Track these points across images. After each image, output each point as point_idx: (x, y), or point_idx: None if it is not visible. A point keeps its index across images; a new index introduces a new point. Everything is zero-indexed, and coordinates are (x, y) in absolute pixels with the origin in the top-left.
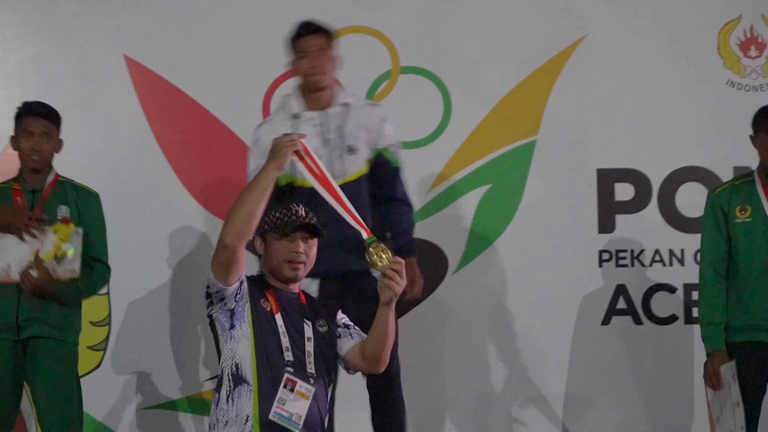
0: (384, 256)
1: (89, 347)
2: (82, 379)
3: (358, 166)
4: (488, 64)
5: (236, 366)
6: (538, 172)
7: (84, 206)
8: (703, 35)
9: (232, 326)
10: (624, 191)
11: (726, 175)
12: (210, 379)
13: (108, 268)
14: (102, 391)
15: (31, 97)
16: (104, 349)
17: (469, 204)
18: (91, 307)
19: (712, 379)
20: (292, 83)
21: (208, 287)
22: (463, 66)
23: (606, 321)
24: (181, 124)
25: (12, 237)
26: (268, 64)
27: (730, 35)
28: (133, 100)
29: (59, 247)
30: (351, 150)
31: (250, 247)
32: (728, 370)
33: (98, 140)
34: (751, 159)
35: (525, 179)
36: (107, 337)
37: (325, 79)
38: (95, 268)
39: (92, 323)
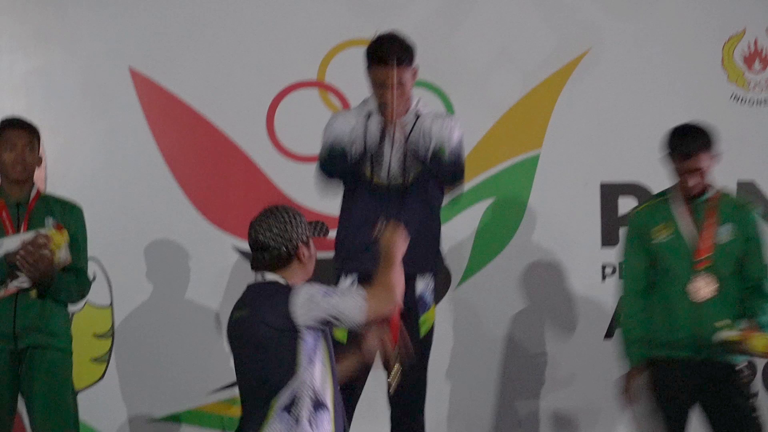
0: None
1: (92, 359)
2: (85, 392)
3: (417, 168)
4: (492, 77)
5: (315, 390)
6: (542, 186)
7: (68, 219)
8: (708, 49)
9: (315, 349)
10: (627, 205)
11: (730, 188)
12: (216, 391)
13: (88, 280)
14: (105, 403)
15: (37, 109)
16: (107, 361)
17: (472, 217)
18: (94, 320)
19: (629, 394)
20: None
21: (337, 319)
22: (467, 79)
23: (609, 334)
24: (185, 137)
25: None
26: (272, 76)
27: (734, 49)
28: (137, 111)
29: (54, 254)
30: (414, 154)
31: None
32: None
33: (103, 151)
34: (756, 173)
35: (529, 192)
36: (110, 350)
37: (397, 108)
38: (78, 276)
39: (96, 335)
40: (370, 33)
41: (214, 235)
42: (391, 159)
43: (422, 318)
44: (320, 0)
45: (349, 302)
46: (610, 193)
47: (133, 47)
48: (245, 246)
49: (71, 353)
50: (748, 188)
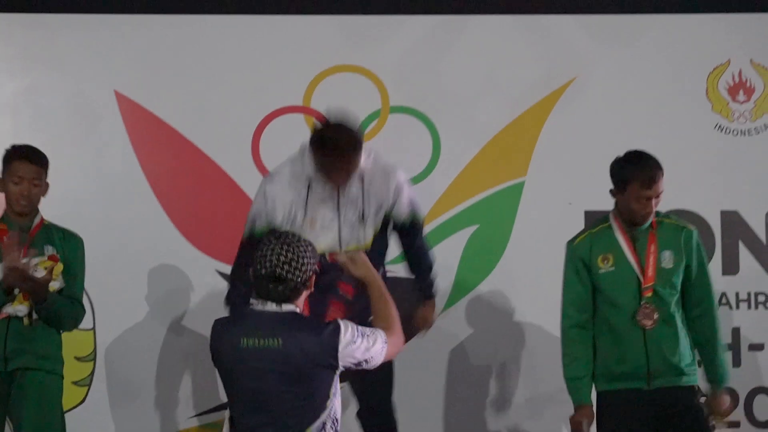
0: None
1: (74, 382)
2: (66, 415)
3: (369, 234)
4: (477, 105)
5: (336, 421)
6: (526, 214)
7: (68, 249)
8: (692, 79)
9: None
10: None
11: (713, 218)
12: (197, 415)
13: (83, 309)
14: (86, 427)
15: (23, 129)
16: (89, 385)
17: (456, 244)
18: (76, 343)
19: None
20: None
21: (366, 362)
22: (453, 106)
23: None
24: (170, 160)
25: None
26: (258, 101)
27: (719, 79)
28: (122, 134)
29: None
30: (363, 218)
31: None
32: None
33: (87, 173)
34: (739, 203)
35: (513, 220)
36: (92, 373)
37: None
38: (76, 305)
39: (77, 358)
40: (356, 61)
41: (197, 258)
42: (341, 227)
43: None
44: (307, 26)
45: (377, 346)
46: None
47: (119, 70)
48: (229, 270)
49: (62, 376)
50: (731, 218)
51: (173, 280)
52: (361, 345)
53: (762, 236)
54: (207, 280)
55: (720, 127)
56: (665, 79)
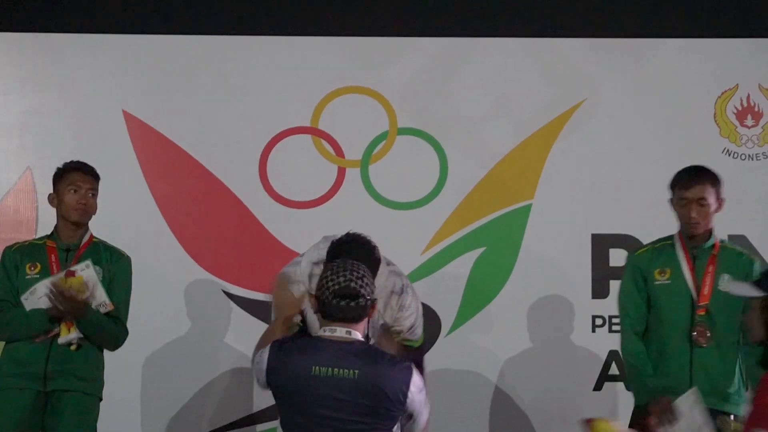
0: None
1: None
2: None
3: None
4: (485, 127)
5: None
6: (534, 236)
7: (115, 268)
8: (700, 103)
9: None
10: (618, 257)
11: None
12: None
13: (125, 329)
14: None
15: (30, 150)
16: None
17: (463, 266)
18: None
19: (666, 414)
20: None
21: (415, 421)
22: (461, 128)
23: (598, 387)
24: (178, 180)
25: (41, 298)
26: (265, 122)
27: (727, 104)
28: (130, 154)
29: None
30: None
31: None
32: (686, 401)
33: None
34: (746, 227)
35: (520, 243)
36: None
37: None
38: (119, 326)
39: None
40: (364, 82)
41: (204, 279)
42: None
43: None
44: (315, 47)
45: (428, 408)
46: (601, 244)
47: (127, 90)
48: (236, 291)
49: (99, 398)
50: (739, 242)
51: (180, 301)
52: (423, 398)
53: None
54: (214, 301)
55: (728, 151)
56: (673, 103)
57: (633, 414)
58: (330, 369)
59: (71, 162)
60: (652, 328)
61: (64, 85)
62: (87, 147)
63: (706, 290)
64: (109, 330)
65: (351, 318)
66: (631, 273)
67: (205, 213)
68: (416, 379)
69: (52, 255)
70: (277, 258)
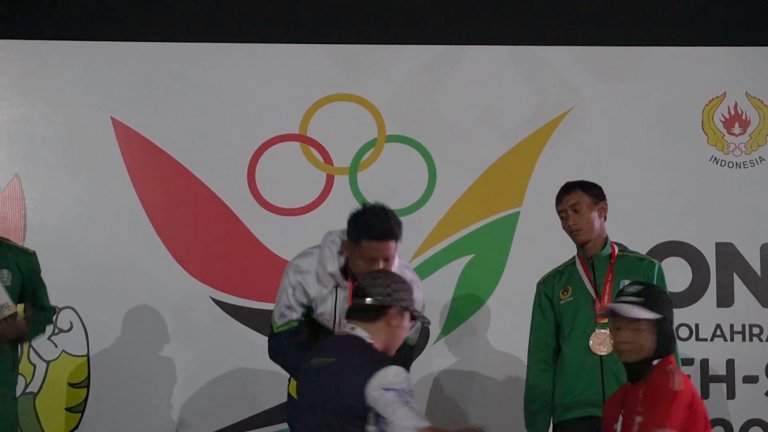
0: None
1: (67, 409)
2: None
3: None
4: (474, 135)
5: None
6: (522, 244)
7: (24, 266)
8: (688, 111)
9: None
10: None
11: (708, 250)
12: None
13: (52, 309)
14: None
15: (19, 157)
16: (82, 411)
17: (451, 273)
18: (70, 369)
19: None
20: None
21: (391, 423)
22: (449, 136)
23: None
24: (166, 187)
25: None
26: (254, 129)
27: (714, 112)
28: (119, 161)
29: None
30: None
31: None
32: None
33: (83, 201)
34: (734, 235)
35: (508, 250)
36: (85, 399)
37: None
38: (45, 309)
39: (71, 385)
40: (353, 90)
41: (193, 286)
42: None
43: None
44: (304, 55)
45: (404, 422)
46: None
47: (115, 98)
48: (224, 297)
49: (14, 397)
50: (726, 250)
51: (169, 308)
52: (393, 400)
53: (757, 268)
54: (202, 308)
55: (715, 159)
56: (661, 111)
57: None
58: (317, 359)
59: None
60: (564, 347)
61: (52, 93)
62: (75, 154)
63: (605, 299)
64: (42, 326)
65: (360, 317)
66: (537, 299)
67: (194, 220)
68: (383, 376)
69: None
70: (265, 265)
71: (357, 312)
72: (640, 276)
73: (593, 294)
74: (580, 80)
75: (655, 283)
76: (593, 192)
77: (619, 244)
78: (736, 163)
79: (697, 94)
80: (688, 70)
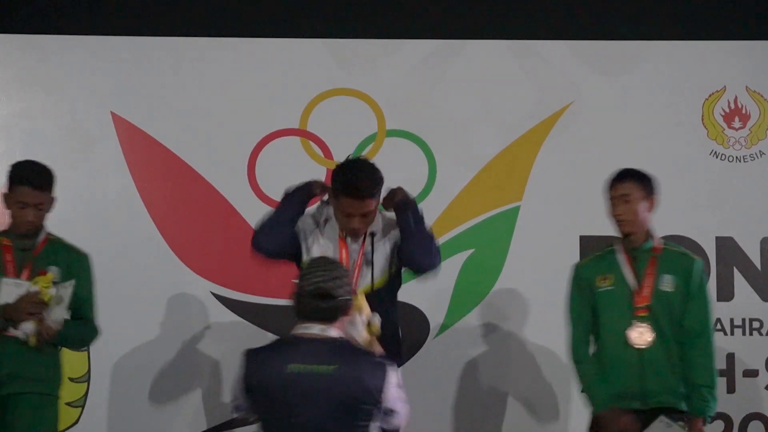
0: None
1: (67, 403)
2: None
3: (377, 277)
4: (474, 129)
5: None
6: (522, 238)
7: (75, 267)
8: (688, 105)
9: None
10: None
11: (708, 244)
12: None
13: (95, 328)
14: None
15: (18, 152)
16: (82, 406)
17: (452, 268)
18: (70, 363)
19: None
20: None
21: (393, 415)
22: (449, 130)
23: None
24: (166, 182)
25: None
26: (254, 123)
27: (714, 106)
28: (118, 156)
29: (45, 293)
30: (372, 262)
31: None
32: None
33: (84, 195)
34: (734, 229)
35: (508, 245)
36: (86, 394)
37: (363, 233)
38: (88, 325)
39: (71, 379)
40: (353, 84)
41: (192, 280)
42: (353, 270)
43: None
44: (304, 49)
45: (405, 405)
46: (589, 246)
47: (115, 92)
48: (224, 292)
49: (57, 398)
50: (726, 244)
51: (169, 302)
52: (401, 394)
53: (757, 262)
54: (202, 302)
55: (715, 153)
56: (661, 105)
57: (591, 423)
58: (306, 366)
59: (17, 172)
60: (600, 337)
61: (51, 87)
62: (75, 149)
63: (645, 291)
64: (76, 337)
65: (326, 318)
66: (576, 283)
67: (194, 215)
68: (393, 375)
69: (8, 254)
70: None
71: (327, 313)
72: (682, 271)
73: (634, 285)
74: (580, 75)
75: (697, 282)
76: (646, 184)
77: (663, 238)
78: (736, 157)
79: (697, 89)
80: (687, 65)
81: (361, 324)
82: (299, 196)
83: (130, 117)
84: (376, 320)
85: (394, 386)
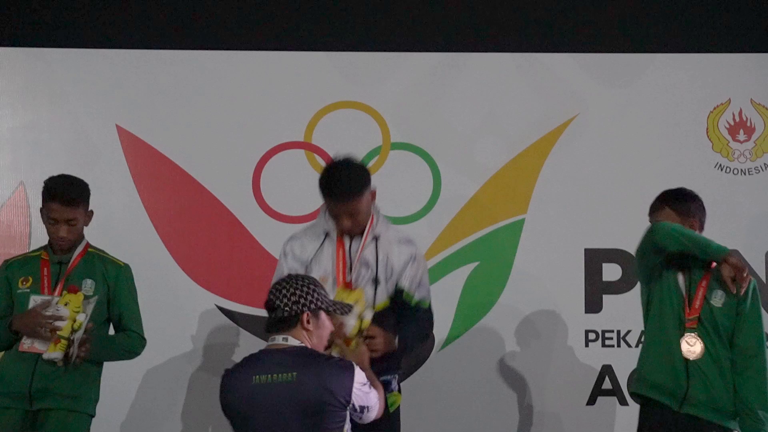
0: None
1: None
2: None
3: (381, 298)
4: (479, 142)
5: None
6: (527, 251)
7: (113, 279)
8: (693, 118)
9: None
10: (611, 271)
11: None
12: None
13: (139, 337)
14: None
15: (23, 164)
16: None
17: (456, 281)
18: None
19: (743, 270)
20: (287, 158)
21: (367, 411)
22: (454, 143)
23: (591, 401)
24: (171, 195)
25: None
26: (259, 136)
27: (719, 119)
28: (123, 169)
29: (74, 318)
30: (376, 282)
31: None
32: None
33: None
34: (738, 242)
35: (513, 257)
36: None
37: (360, 230)
38: (130, 335)
39: None
40: (358, 97)
41: (197, 293)
42: (357, 279)
43: (389, 397)
44: (308, 62)
45: (375, 399)
46: (594, 258)
47: (120, 105)
48: (228, 305)
49: (90, 416)
50: None
51: (173, 314)
52: (371, 393)
53: (762, 275)
54: (207, 315)
55: (720, 166)
56: (665, 118)
57: (641, 413)
58: (268, 376)
59: (50, 188)
60: (655, 326)
61: (57, 100)
62: (80, 162)
63: (697, 303)
64: (116, 351)
65: (278, 329)
66: (650, 241)
67: (198, 227)
68: (358, 374)
69: (45, 268)
70: (270, 273)
71: (277, 324)
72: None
73: (684, 296)
74: (585, 87)
75: (751, 299)
76: (682, 209)
77: None
78: (741, 170)
79: (701, 101)
80: (692, 77)
81: (353, 316)
82: None
83: (135, 130)
84: (368, 316)
85: (360, 384)
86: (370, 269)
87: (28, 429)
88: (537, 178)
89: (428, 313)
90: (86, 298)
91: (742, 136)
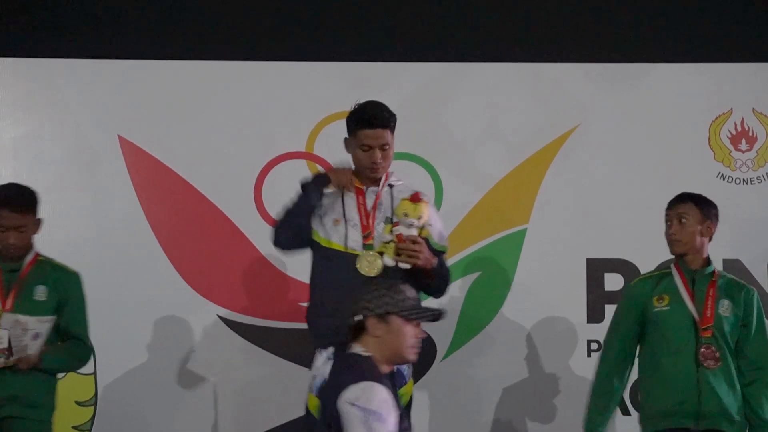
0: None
1: (74, 427)
2: None
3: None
4: (480, 152)
5: None
6: (529, 261)
7: (63, 286)
8: (695, 127)
9: None
10: (614, 281)
11: (716, 267)
12: None
13: (87, 347)
14: None
15: (25, 174)
16: (89, 430)
17: (458, 291)
18: (76, 387)
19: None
20: (289, 168)
21: None
22: (455, 153)
23: None
24: (173, 205)
25: None
26: (260, 146)
27: (721, 128)
28: (125, 179)
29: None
30: (389, 221)
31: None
32: None
33: (90, 218)
34: (741, 252)
35: (515, 267)
36: (92, 418)
37: (383, 172)
38: (78, 344)
39: (77, 403)
40: None
41: (199, 303)
42: (373, 228)
43: (400, 391)
44: (310, 72)
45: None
46: (596, 269)
47: (122, 115)
48: (230, 315)
49: (50, 423)
50: (733, 266)
51: (175, 325)
52: (356, 423)
53: (765, 285)
54: (208, 325)
55: (722, 175)
56: (667, 127)
57: None
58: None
59: (3, 192)
60: (654, 354)
61: (58, 110)
62: (81, 171)
63: (708, 312)
64: (67, 361)
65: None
66: (628, 302)
67: (200, 238)
68: (352, 390)
69: None
70: (272, 283)
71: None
72: (742, 300)
73: (693, 308)
74: (587, 97)
75: (753, 310)
76: (705, 209)
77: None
78: (743, 180)
79: (703, 111)
80: (694, 87)
81: (415, 227)
82: (315, 186)
83: (136, 140)
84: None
85: (346, 402)
86: (383, 210)
87: None
88: (539, 188)
89: (448, 270)
90: (40, 316)
91: (744, 146)
